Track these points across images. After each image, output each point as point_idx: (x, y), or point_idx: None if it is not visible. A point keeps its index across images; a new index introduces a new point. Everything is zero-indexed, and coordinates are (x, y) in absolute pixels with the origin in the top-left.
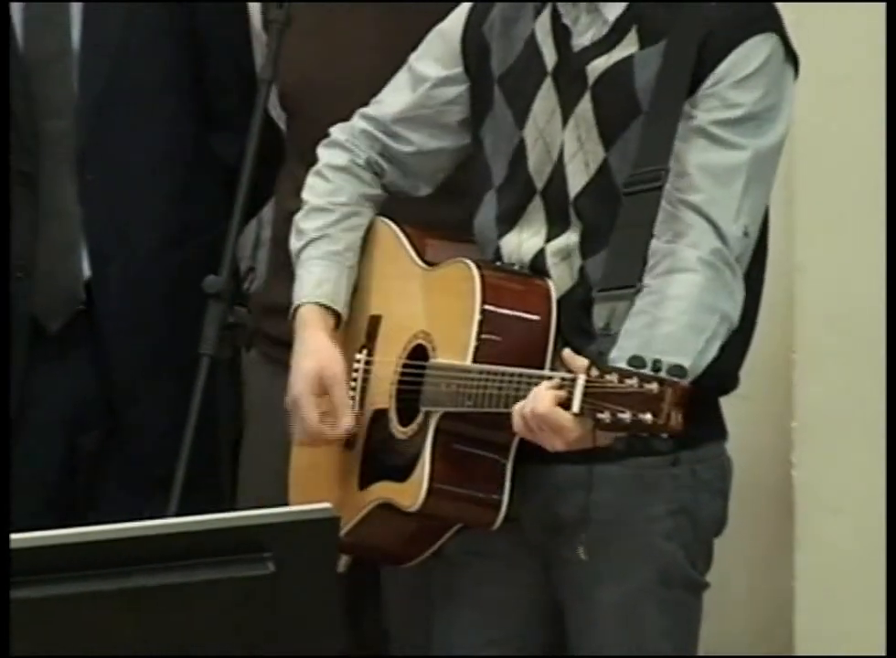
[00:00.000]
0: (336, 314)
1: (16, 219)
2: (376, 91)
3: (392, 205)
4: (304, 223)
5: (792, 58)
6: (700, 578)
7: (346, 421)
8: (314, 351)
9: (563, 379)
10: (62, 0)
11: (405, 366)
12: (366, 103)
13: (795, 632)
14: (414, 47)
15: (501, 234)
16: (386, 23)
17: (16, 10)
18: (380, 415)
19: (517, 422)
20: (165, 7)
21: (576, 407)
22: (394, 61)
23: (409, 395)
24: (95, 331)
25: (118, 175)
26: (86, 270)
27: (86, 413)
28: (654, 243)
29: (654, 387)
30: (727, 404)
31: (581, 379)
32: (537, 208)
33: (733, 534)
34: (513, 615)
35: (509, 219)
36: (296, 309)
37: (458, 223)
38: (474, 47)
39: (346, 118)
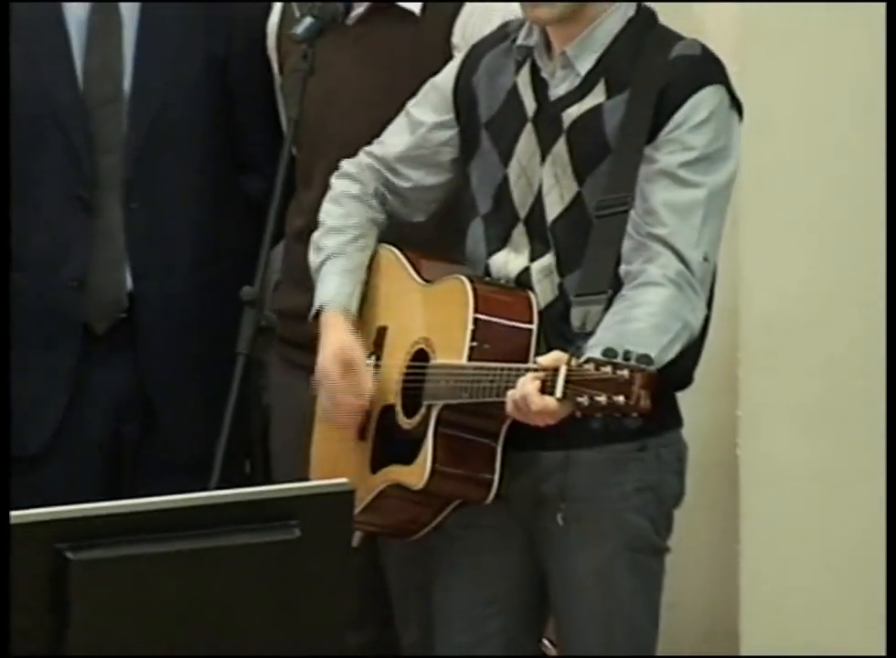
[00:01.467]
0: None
1: (73, 238)
2: (359, 124)
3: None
4: (324, 241)
5: (736, 105)
6: (663, 543)
7: (369, 387)
8: (338, 338)
9: (545, 370)
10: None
11: (409, 367)
12: (352, 135)
13: (741, 587)
14: (389, 91)
15: (490, 254)
16: (366, 69)
17: (77, 58)
18: (387, 410)
19: (510, 407)
20: (204, 64)
21: (559, 392)
22: (372, 101)
23: (412, 391)
24: (135, 334)
25: (157, 205)
26: (129, 284)
27: (127, 405)
28: (626, 267)
29: (625, 373)
30: (684, 396)
31: (563, 369)
32: (521, 233)
33: (689, 505)
34: (503, 577)
35: (497, 242)
36: (319, 310)
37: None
38: (464, 98)
39: (337, 147)
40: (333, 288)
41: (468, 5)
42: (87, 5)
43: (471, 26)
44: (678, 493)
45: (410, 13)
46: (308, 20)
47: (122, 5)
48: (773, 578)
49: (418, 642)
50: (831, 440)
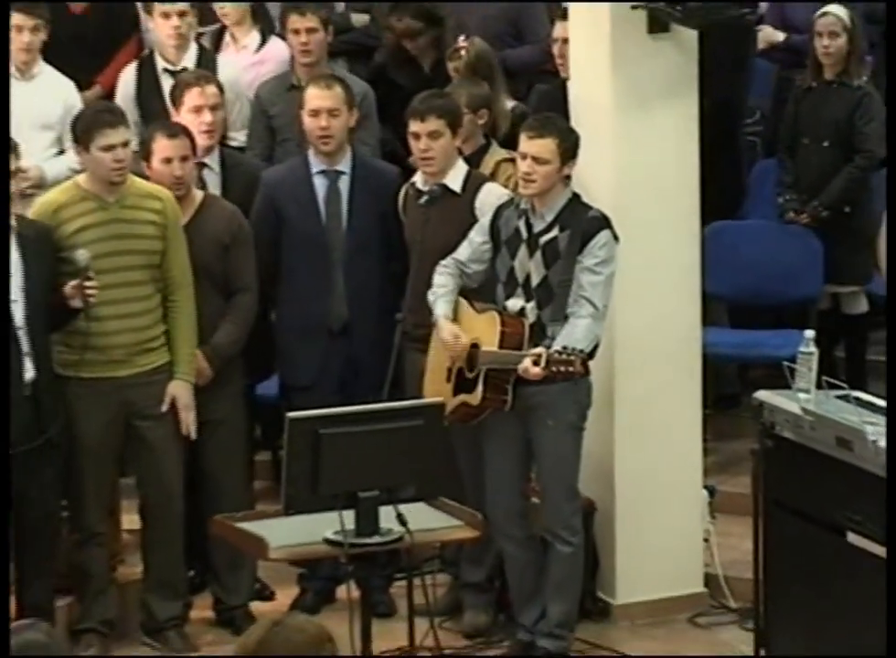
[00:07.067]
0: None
1: (321, 292)
2: (437, 246)
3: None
4: (436, 290)
5: (616, 237)
6: (583, 426)
7: (466, 342)
8: (449, 326)
9: (537, 355)
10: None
11: (469, 350)
12: (435, 250)
13: (615, 441)
14: (449, 231)
15: (506, 299)
16: (437, 220)
17: (322, 211)
18: (460, 369)
19: (520, 371)
20: (379, 215)
21: (542, 365)
22: (442, 235)
23: (471, 360)
24: (350, 331)
25: (358, 276)
26: (346, 308)
27: (348, 363)
28: (569, 309)
29: (574, 356)
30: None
31: (544, 355)
32: (519, 292)
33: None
34: (513, 444)
35: (509, 295)
36: (437, 318)
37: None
38: (494, 230)
39: (429, 256)
40: (442, 308)
41: (482, 190)
42: (325, 185)
43: (480, 202)
44: (588, 404)
45: (456, 192)
46: (427, 197)
47: (340, 185)
48: (640, 433)
49: (471, 480)
50: (654, 377)
